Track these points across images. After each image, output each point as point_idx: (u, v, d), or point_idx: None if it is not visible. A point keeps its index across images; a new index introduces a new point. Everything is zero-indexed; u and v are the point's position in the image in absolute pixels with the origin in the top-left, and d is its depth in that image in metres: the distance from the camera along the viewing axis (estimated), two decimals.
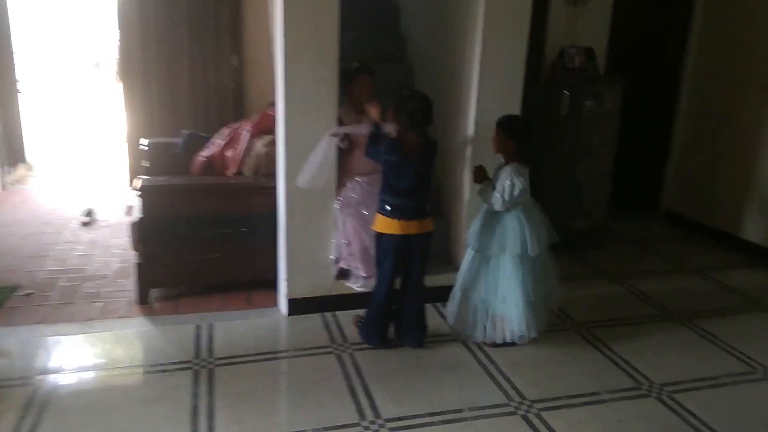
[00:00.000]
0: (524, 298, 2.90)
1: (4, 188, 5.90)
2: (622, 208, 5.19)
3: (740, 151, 4.68)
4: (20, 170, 6.25)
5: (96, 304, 3.48)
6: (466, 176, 3.42)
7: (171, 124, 5.47)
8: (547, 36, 4.55)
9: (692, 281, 4.10)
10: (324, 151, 2.99)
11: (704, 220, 5.01)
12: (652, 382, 2.80)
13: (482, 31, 3.21)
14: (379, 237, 2.89)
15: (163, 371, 2.77)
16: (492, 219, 2.97)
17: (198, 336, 3.09)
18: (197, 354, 2.91)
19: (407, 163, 2.76)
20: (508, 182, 2.85)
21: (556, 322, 3.33)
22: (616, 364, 2.96)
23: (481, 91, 3.29)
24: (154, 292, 3.58)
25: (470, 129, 3.36)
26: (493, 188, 2.91)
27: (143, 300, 3.51)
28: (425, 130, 2.79)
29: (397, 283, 3.00)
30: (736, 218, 4.70)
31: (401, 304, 3.02)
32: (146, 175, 4.42)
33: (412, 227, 2.83)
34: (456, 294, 3.10)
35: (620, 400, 2.66)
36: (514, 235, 2.89)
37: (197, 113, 5.73)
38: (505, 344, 3.02)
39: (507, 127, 2.92)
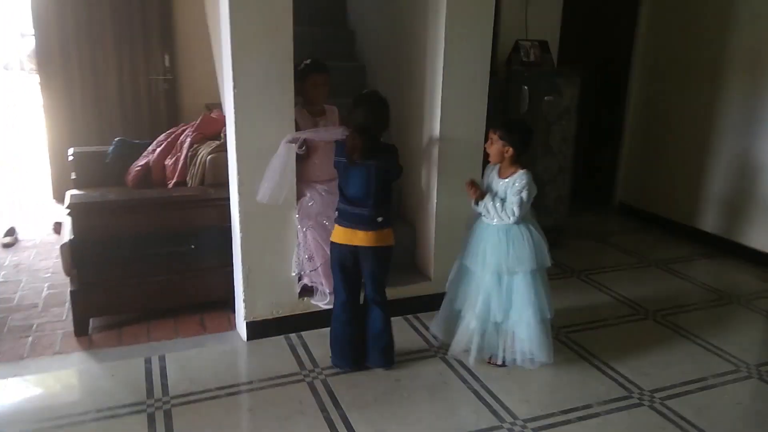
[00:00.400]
0: (537, 317, 2.66)
1: None
2: (575, 202, 5.14)
3: (692, 141, 4.71)
4: None
5: (26, 339, 3.06)
6: (434, 180, 3.21)
7: (98, 131, 5.02)
8: (499, 29, 4.41)
9: (658, 275, 4.07)
10: (283, 161, 2.75)
11: (658, 212, 5.03)
12: (642, 390, 2.68)
13: (446, 25, 3.00)
14: (331, 246, 2.70)
15: (113, 416, 2.42)
16: (487, 232, 2.70)
17: (149, 371, 2.74)
18: (150, 393, 2.57)
19: (355, 167, 2.56)
20: (525, 193, 2.60)
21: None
22: (602, 371, 2.83)
23: (447, 88, 3.09)
24: (93, 322, 3.19)
25: (435, 130, 3.15)
26: (501, 200, 2.65)
27: (81, 331, 3.11)
28: (376, 134, 2.57)
29: (362, 297, 2.77)
30: (690, 209, 4.74)
31: (366, 325, 2.75)
32: (74, 189, 4.00)
33: (357, 238, 2.59)
34: (445, 313, 2.90)
35: (614, 412, 2.52)
36: (530, 249, 2.63)
37: (127, 118, 5.29)
38: (504, 365, 2.82)
39: (508, 133, 2.64)
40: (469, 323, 2.75)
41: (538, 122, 4.14)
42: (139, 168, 4.05)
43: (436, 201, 3.23)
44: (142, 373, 2.73)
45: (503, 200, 2.65)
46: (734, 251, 4.40)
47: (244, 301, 2.97)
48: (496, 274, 2.68)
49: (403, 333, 3.10)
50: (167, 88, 5.37)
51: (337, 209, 2.65)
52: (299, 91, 3.00)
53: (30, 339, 3.05)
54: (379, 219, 2.58)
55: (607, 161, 5.42)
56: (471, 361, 2.78)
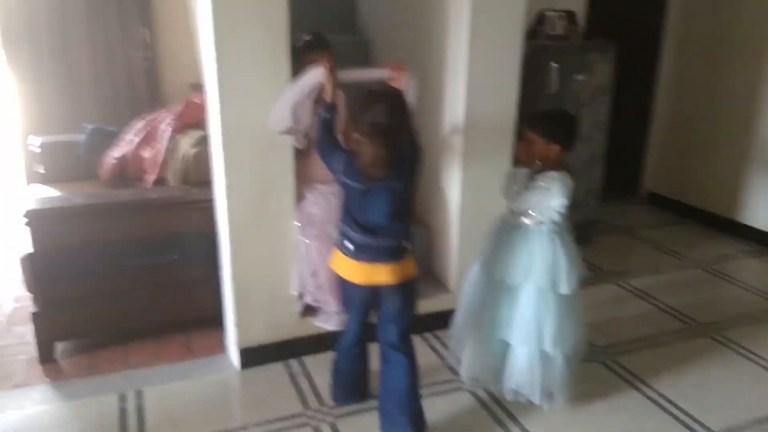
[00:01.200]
0: (537, 346, 2.22)
1: None
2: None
3: (733, 125, 4.22)
4: None
5: None
6: (456, 173, 2.74)
7: (71, 114, 4.47)
8: None
9: (702, 279, 3.61)
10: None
11: (693, 203, 4.56)
12: (709, 430, 2.26)
13: None
14: (341, 280, 2.11)
15: None
16: (513, 236, 2.24)
17: (123, 411, 2.30)
18: None
19: (375, 190, 1.95)
20: (554, 188, 2.13)
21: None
22: (661, 406, 2.39)
23: (473, 68, 2.59)
24: (62, 345, 2.74)
25: (459, 113, 2.66)
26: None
27: (47, 357, 2.67)
28: (397, 140, 1.90)
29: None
30: (731, 200, 4.27)
31: (383, 379, 2.15)
32: (41, 184, 3.51)
33: (382, 274, 2.00)
34: (463, 335, 2.44)
35: None
36: (543, 262, 2.17)
37: (103, 101, 4.74)
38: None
39: (551, 127, 2.16)
40: (526, 356, 2.25)
41: (568, 105, 3.65)
42: (114, 161, 3.56)
43: (460, 197, 2.76)
44: (115, 413, 2.29)
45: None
46: None
47: (237, 325, 2.52)
48: (541, 290, 2.19)
49: (422, 357, 2.65)
50: (147, 65, 4.83)
51: (345, 237, 2.03)
52: (297, 72, 2.51)
53: None
54: (405, 245, 2.04)
55: (636, 146, 4.93)
56: (538, 402, 2.33)
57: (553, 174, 2.14)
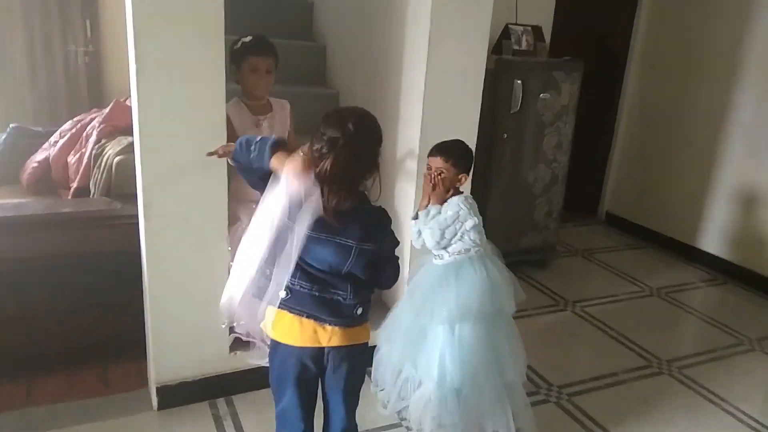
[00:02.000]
0: (443, 382, 2.06)
1: None
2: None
3: (694, 148, 4.13)
4: None
5: None
6: (411, 199, 2.51)
7: (3, 115, 4.09)
8: None
9: (663, 309, 3.48)
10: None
11: (653, 227, 4.46)
12: None
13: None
14: (273, 345, 1.67)
15: None
16: (434, 277, 2.11)
17: None
18: None
19: (324, 226, 1.50)
20: (450, 213, 2.02)
21: (530, 389, 2.54)
22: None
23: (430, 85, 2.38)
24: None
25: (415, 136, 2.45)
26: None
27: None
28: (362, 175, 1.54)
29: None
30: (692, 226, 4.17)
31: None
32: None
33: (325, 335, 1.59)
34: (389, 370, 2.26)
35: None
36: (483, 292, 2.04)
37: (40, 98, 4.39)
38: None
39: (461, 158, 2.07)
40: (426, 392, 2.13)
41: (531, 125, 3.48)
42: (36, 165, 3.24)
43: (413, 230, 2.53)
44: None
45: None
46: (744, 277, 3.85)
47: (153, 359, 2.23)
48: (447, 323, 2.07)
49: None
50: (88, 61, 4.49)
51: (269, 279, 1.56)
52: (235, 79, 2.25)
53: None
54: (359, 311, 1.61)
55: (595, 166, 4.81)
56: None
57: (456, 199, 2.05)
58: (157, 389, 2.25)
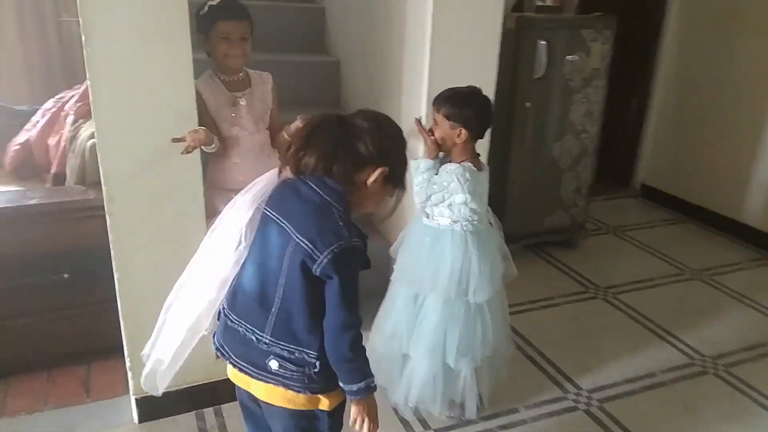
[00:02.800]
0: (438, 360, 1.96)
1: None
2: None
3: (741, 113, 3.71)
4: None
5: None
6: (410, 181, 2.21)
7: None
8: None
9: (707, 294, 3.12)
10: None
11: (693, 199, 4.07)
12: None
13: None
14: None
15: None
16: (422, 239, 1.95)
17: None
18: None
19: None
20: (441, 179, 1.85)
21: (556, 393, 2.26)
22: None
23: (436, 45, 2.05)
24: None
25: (421, 108, 2.13)
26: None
27: None
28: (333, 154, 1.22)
29: None
30: (733, 198, 3.78)
31: None
32: None
33: (251, 384, 1.32)
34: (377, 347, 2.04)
35: None
36: (452, 268, 1.89)
37: (33, 73, 4.12)
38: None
39: (456, 108, 1.81)
40: (427, 369, 1.99)
41: (557, 91, 3.11)
42: (17, 147, 3.00)
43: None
44: None
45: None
46: None
47: (131, 368, 1.99)
48: (448, 300, 1.92)
49: None
50: (67, 27, 4.21)
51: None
52: (207, 49, 1.94)
53: None
54: (272, 364, 1.24)
55: (629, 134, 4.40)
56: (437, 413, 2.06)
57: (450, 167, 1.84)
58: (137, 401, 2.03)
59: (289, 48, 3.01)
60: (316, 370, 1.22)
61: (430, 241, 1.93)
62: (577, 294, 3.05)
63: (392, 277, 2.06)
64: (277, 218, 1.22)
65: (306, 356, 1.22)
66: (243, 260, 1.25)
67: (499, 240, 2.02)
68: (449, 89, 1.85)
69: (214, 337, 1.36)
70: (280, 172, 1.26)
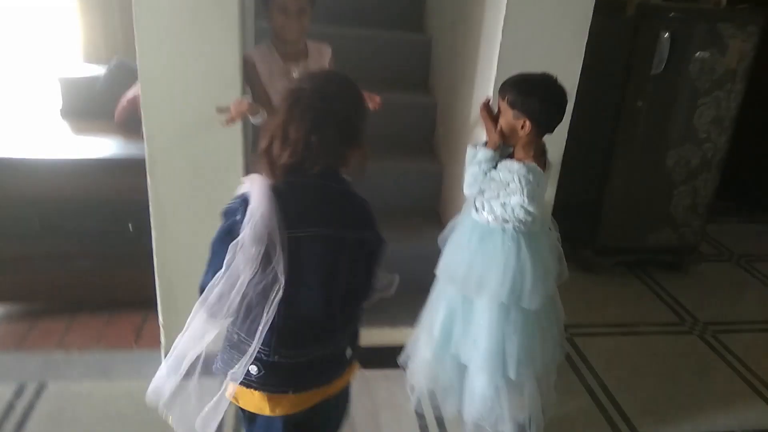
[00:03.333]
0: (497, 371, 1.75)
1: None
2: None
3: None
4: None
5: None
6: None
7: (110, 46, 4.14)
8: None
9: None
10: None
11: None
12: None
13: None
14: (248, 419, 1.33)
15: None
16: (472, 235, 1.76)
17: (9, 408, 1.93)
18: None
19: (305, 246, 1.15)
20: (500, 176, 1.64)
21: None
22: None
23: (510, 24, 1.83)
24: (2, 308, 2.44)
25: (489, 91, 1.93)
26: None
27: None
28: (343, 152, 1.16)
29: None
30: None
31: None
32: (64, 119, 3.28)
33: (319, 392, 1.28)
34: (423, 352, 1.90)
35: None
36: (504, 271, 1.69)
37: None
38: None
39: (522, 96, 1.58)
40: (486, 384, 1.79)
41: (679, 91, 2.70)
42: (126, 102, 3.18)
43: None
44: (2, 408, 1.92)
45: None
46: None
47: (164, 327, 2.04)
48: (502, 306, 1.72)
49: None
50: None
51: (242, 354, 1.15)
52: (267, 18, 1.89)
53: None
54: (348, 352, 1.30)
55: (764, 146, 3.75)
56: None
57: (512, 165, 1.63)
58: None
59: (385, 24, 2.90)
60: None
61: (478, 238, 1.74)
62: (668, 325, 2.67)
63: (437, 271, 1.89)
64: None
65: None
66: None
67: (553, 240, 1.80)
68: (519, 74, 1.63)
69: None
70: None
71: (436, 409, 2.00)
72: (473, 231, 1.76)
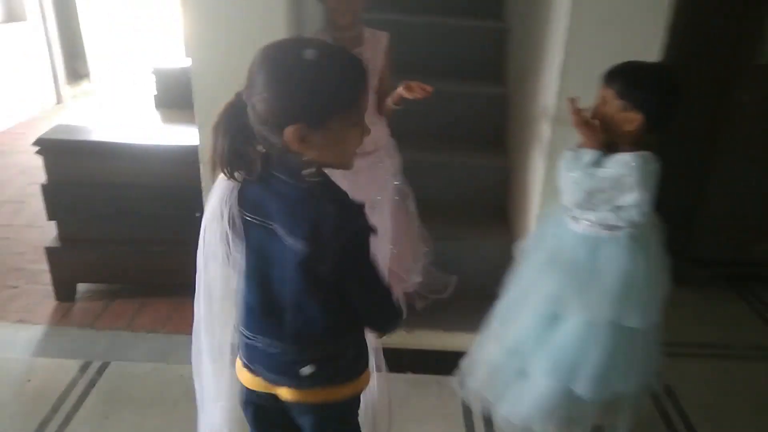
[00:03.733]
0: (562, 381, 1.59)
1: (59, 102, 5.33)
2: None
3: None
4: (81, 86, 5.62)
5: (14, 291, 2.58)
6: (540, 174, 1.86)
7: None
8: None
9: None
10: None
11: None
12: None
13: None
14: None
15: None
16: (564, 245, 1.58)
17: (73, 384, 2.03)
18: (44, 423, 1.85)
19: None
20: (611, 172, 1.44)
21: None
22: None
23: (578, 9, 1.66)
24: (84, 287, 2.60)
25: (551, 88, 1.77)
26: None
27: (63, 296, 2.55)
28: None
29: None
30: None
31: None
32: (158, 108, 3.45)
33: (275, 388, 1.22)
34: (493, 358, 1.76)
35: None
36: (611, 289, 1.50)
37: None
38: None
39: (633, 86, 1.42)
40: (547, 391, 1.64)
41: None
42: None
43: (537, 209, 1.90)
44: (61, 386, 2.02)
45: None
46: None
47: None
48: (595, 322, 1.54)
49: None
50: None
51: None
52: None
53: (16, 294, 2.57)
54: (305, 370, 1.15)
55: None
56: None
57: (626, 157, 1.43)
58: None
59: (461, 11, 2.78)
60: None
61: (585, 254, 1.55)
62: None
63: (515, 282, 1.73)
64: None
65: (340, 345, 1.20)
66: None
67: (661, 246, 1.60)
68: (628, 62, 1.45)
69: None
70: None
71: (488, 418, 1.86)
72: (577, 246, 1.56)
